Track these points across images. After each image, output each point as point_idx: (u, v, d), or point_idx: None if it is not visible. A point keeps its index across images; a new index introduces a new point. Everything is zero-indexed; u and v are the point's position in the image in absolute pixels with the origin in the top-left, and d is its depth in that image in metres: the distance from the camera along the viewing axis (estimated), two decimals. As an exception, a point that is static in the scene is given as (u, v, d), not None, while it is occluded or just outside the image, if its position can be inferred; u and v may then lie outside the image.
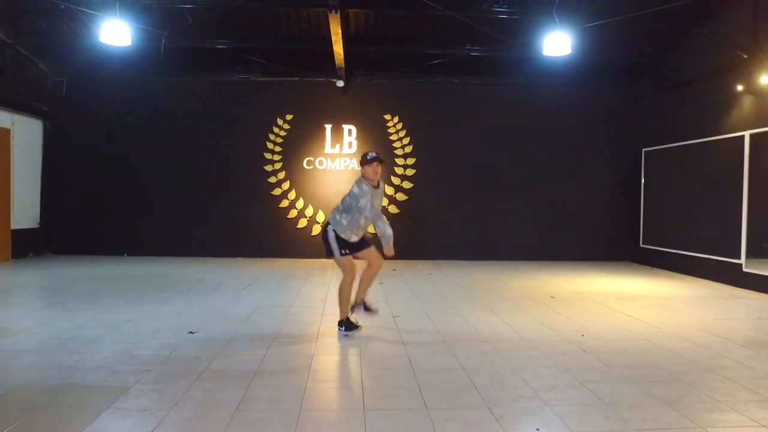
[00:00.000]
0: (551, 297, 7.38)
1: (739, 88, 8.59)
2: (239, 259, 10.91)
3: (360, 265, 5.30)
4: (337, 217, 5.16)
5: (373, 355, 4.70)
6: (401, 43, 10.02)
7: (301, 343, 4.95)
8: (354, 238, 5.16)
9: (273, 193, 11.13)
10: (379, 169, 5.24)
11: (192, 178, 11.02)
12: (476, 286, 8.22)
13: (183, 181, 11.03)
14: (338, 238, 5.11)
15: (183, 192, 11.04)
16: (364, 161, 5.24)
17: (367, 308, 5.38)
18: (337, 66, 9.47)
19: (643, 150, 11.12)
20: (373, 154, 5.26)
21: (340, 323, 5.23)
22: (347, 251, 5.15)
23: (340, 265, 5.23)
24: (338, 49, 8.43)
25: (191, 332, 5.07)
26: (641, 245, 11.19)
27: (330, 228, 5.15)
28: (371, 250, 5.30)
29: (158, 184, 11.02)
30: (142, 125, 10.93)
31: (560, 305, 6.83)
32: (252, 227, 11.09)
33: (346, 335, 5.15)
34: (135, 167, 10.98)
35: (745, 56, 8.27)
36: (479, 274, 9.39)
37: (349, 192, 5.18)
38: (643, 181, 11.16)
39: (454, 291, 7.77)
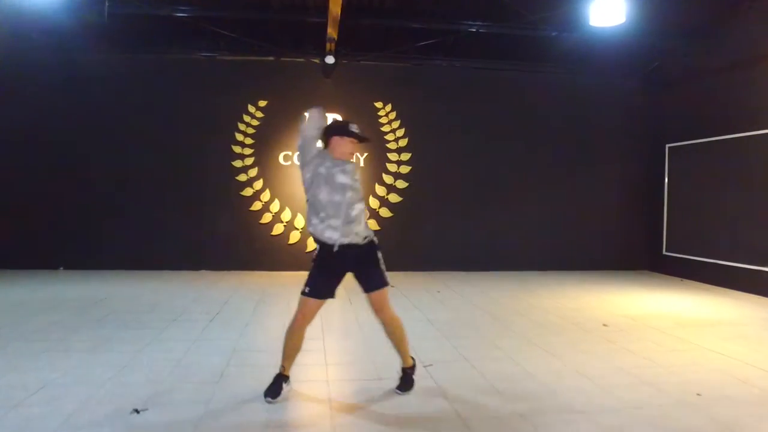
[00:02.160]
0: (604, 325, 5.89)
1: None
2: (203, 272, 9.08)
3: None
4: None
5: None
6: (399, 16, 8.37)
7: (311, 427, 3.26)
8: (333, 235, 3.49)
9: (243, 193, 9.32)
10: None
11: (145, 176, 9.11)
12: (500, 308, 6.66)
13: (134, 180, 9.11)
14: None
15: (134, 193, 9.11)
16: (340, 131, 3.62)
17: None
18: (328, 36, 7.47)
19: (667, 146, 9.81)
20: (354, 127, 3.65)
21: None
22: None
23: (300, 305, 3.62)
24: (335, 7, 6.50)
25: (136, 411, 3.31)
26: (664, 253, 9.88)
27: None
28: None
29: (103, 183, 9.06)
30: (81, 113, 8.95)
31: (622, 338, 5.34)
32: (218, 234, 9.26)
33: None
34: (72, 163, 8.98)
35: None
36: (494, 290, 7.83)
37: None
38: (666, 181, 9.86)
39: (480, 318, 6.19)
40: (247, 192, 9.31)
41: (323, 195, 3.48)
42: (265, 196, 9.35)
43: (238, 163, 9.29)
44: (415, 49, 9.22)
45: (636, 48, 9.21)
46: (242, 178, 9.30)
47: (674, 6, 8.09)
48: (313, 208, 3.52)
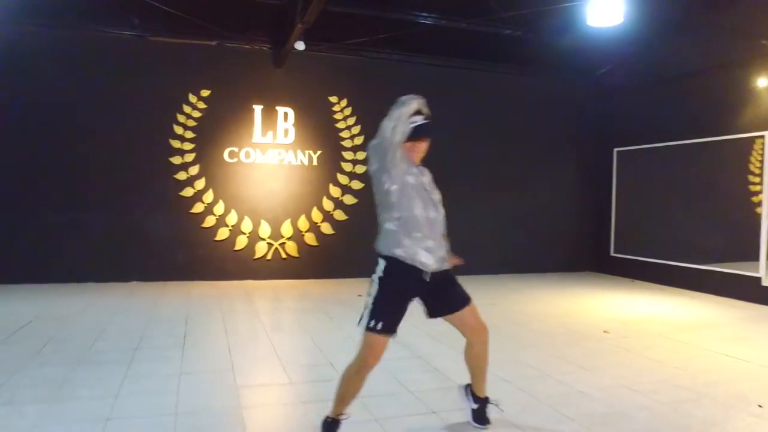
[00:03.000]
0: (605, 332, 5.70)
1: (761, 82, 7.62)
2: (134, 283, 7.91)
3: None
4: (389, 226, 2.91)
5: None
6: (360, 4, 7.73)
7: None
8: (428, 259, 2.89)
9: (182, 194, 8.23)
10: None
11: (62, 173, 7.76)
12: (493, 316, 6.28)
13: (49, 178, 7.72)
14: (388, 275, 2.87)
15: (51, 193, 7.72)
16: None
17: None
18: (306, 17, 6.38)
19: (615, 150, 10.01)
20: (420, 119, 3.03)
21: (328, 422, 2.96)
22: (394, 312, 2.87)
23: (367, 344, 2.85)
24: None
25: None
26: (612, 254, 10.08)
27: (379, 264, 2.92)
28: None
29: (7, 180, 7.60)
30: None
31: (631, 344, 5.19)
32: (153, 240, 8.12)
33: None
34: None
35: (764, 42, 7.31)
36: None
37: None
38: (614, 184, 10.05)
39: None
40: (188, 192, 8.24)
41: (418, 210, 2.85)
42: (208, 196, 8.33)
43: (176, 160, 8.19)
44: (374, 42, 8.64)
45: (587, 53, 9.27)
46: (182, 176, 8.21)
47: (627, 16, 8.16)
48: (405, 228, 2.85)
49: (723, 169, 8.01)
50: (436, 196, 3.06)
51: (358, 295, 6.88)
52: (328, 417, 2.95)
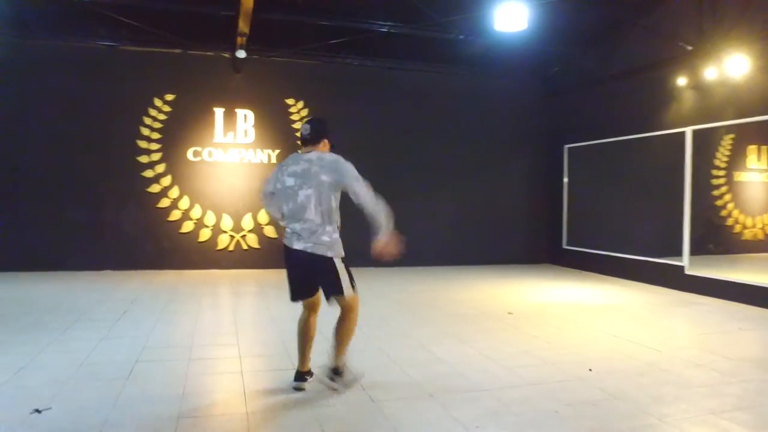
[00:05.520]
0: (509, 313, 6.24)
1: (681, 81, 8.12)
2: (106, 272, 8.63)
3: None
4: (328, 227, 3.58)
5: (343, 426, 3.13)
6: (311, 13, 8.37)
7: (225, 415, 3.25)
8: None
9: (150, 190, 8.95)
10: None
11: (40, 169, 8.52)
12: (416, 302, 6.86)
13: (27, 174, 8.49)
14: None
15: (28, 189, 8.50)
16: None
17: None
18: (239, 30, 7.34)
19: (566, 147, 10.51)
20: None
21: (336, 370, 3.63)
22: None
23: (353, 302, 3.62)
24: (248, 1, 6.39)
25: (37, 411, 3.15)
26: (564, 247, 10.57)
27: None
28: None
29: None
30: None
31: (527, 324, 5.70)
32: (122, 232, 8.84)
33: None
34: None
35: (689, 48, 7.78)
36: (409, 285, 8.05)
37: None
38: (566, 179, 10.55)
39: (395, 311, 6.35)
40: (155, 188, 8.95)
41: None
42: (174, 192, 9.03)
43: (144, 159, 8.91)
44: (327, 47, 9.26)
45: (537, 54, 9.79)
46: (149, 174, 8.93)
47: (571, 17, 8.68)
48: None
49: (662, 163, 8.47)
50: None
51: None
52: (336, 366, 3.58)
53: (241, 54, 8.25)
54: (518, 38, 8.49)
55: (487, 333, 5.31)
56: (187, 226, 9.07)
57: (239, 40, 7.27)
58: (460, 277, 8.91)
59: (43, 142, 8.52)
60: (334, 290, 3.50)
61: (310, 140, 3.66)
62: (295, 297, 3.63)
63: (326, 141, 3.75)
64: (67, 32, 8.46)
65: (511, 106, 10.67)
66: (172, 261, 8.99)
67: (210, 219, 9.13)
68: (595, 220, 9.89)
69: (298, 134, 9.56)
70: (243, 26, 6.90)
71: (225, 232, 9.21)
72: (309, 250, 3.46)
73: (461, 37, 8.81)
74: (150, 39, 8.60)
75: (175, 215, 9.03)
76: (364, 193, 3.49)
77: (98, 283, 7.69)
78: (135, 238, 8.89)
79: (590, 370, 4.19)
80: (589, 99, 9.96)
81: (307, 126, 3.70)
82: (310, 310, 3.69)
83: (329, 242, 3.48)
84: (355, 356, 4.09)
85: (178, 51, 8.92)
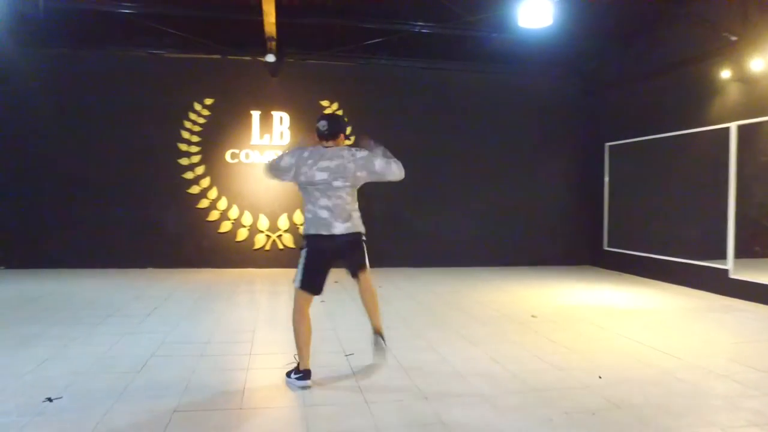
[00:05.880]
0: (533, 316, 6.13)
1: (725, 74, 7.72)
2: (149, 270, 9.04)
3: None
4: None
5: (328, 425, 3.19)
6: (342, 16, 8.47)
7: (219, 411, 3.37)
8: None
9: (190, 191, 9.31)
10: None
11: (90, 174, 9.03)
12: (440, 303, 6.84)
13: (78, 178, 9.01)
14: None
15: (79, 191, 9.02)
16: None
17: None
18: (266, 35, 7.59)
19: (607, 145, 10.18)
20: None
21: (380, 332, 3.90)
22: None
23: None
24: (268, 7, 6.62)
25: (49, 399, 3.37)
26: (605, 248, 10.25)
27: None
28: None
29: (45, 181, 8.94)
30: (19, 110, 8.82)
31: (548, 328, 5.58)
32: (165, 232, 9.24)
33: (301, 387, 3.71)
34: (12, 161, 8.85)
35: (734, 38, 7.39)
36: (438, 285, 8.02)
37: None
38: (606, 179, 10.22)
39: (415, 311, 6.36)
40: (194, 190, 9.31)
41: None
42: (212, 193, 9.36)
43: (184, 161, 9.28)
44: (361, 49, 9.35)
45: (573, 50, 9.53)
46: (189, 175, 9.29)
47: (608, 11, 8.42)
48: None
49: (707, 161, 8.08)
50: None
51: (334, 281, 7.60)
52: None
53: (270, 58, 8.45)
54: (552, 34, 8.26)
55: (502, 336, 5.24)
56: (225, 226, 9.38)
57: (269, 44, 7.48)
58: (492, 279, 8.80)
59: (89, 147, 9.01)
60: (363, 263, 3.80)
61: (329, 135, 3.82)
62: (319, 290, 3.77)
63: (342, 135, 3.91)
64: (115, 43, 8.93)
65: (548, 104, 10.44)
66: (210, 260, 9.31)
67: (247, 219, 9.40)
68: (637, 220, 9.53)
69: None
70: (269, 31, 7.08)
71: (261, 231, 9.46)
72: (349, 231, 3.71)
73: (493, 35, 8.69)
74: (190, 46, 8.95)
75: (213, 215, 9.35)
76: (394, 170, 3.76)
77: (139, 280, 8.07)
78: (176, 237, 9.27)
79: (600, 377, 4.07)
80: (629, 95, 9.62)
81: (324, 122, 3.85)
82: (309, 305, 3.79)
83: (360, 219, 3.83)
84: (364, 358, 4.15)
85: (216, 57, 9.23)
